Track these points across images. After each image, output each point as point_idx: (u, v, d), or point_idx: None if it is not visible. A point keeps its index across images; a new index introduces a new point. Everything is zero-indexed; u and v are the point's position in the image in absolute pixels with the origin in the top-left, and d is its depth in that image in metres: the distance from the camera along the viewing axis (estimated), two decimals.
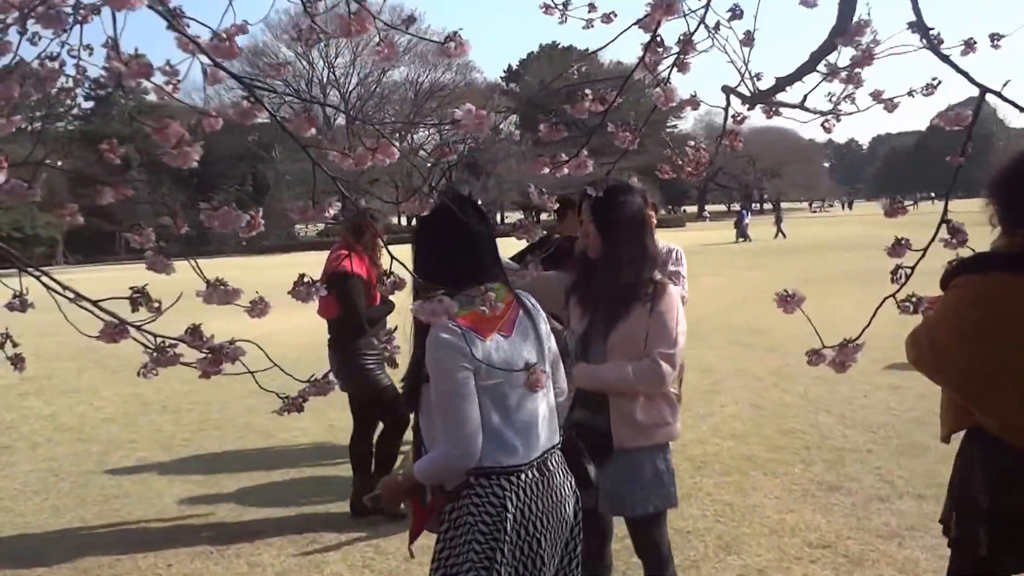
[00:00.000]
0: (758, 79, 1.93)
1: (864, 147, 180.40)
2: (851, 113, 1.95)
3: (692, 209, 78.62)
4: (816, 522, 4.70)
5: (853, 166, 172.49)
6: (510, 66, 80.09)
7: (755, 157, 66.27)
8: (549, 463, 2.36)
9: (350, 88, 67.96)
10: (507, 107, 70.48)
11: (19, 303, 1.52)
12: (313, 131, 1.14)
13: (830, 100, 1.91)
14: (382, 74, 67.14)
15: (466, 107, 1.28)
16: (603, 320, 3.06)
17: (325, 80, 67.70)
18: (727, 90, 1.85)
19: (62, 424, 8.07)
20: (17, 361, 1.64)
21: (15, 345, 1.64)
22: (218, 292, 1.34)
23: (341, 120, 66.84)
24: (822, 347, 1.74)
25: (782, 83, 2.06)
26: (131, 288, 1.31)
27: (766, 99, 1.98)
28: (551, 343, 2.52)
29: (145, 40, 1.37)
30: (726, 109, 1.77)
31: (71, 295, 1.30)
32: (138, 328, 1.29)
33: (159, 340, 1.32)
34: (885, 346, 9.40)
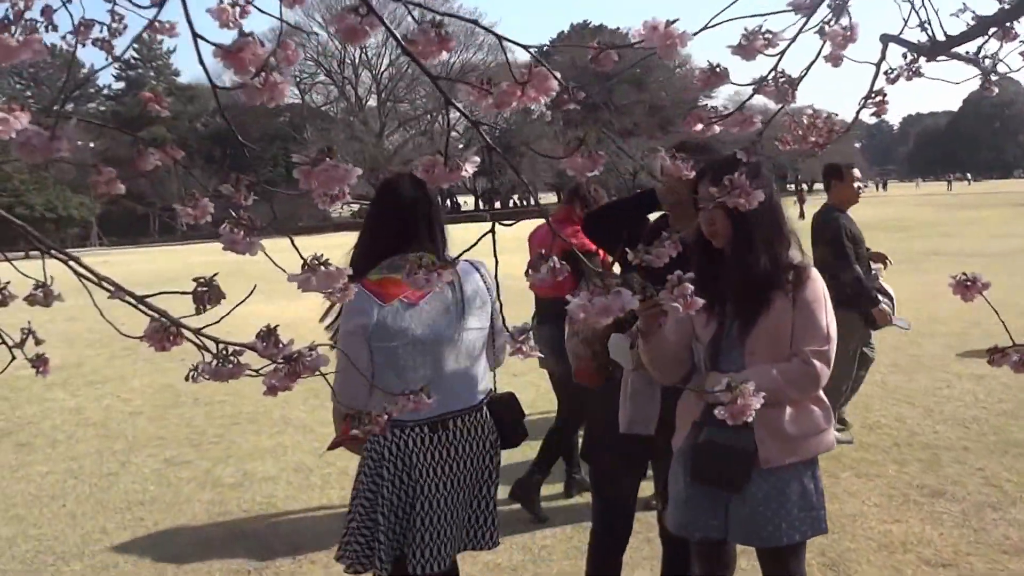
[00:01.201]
0: (925, 28, 1.53)
1: (895, 128, 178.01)
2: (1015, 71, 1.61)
3: None
4: (927, 535, 4.28)
5: (883, 147, 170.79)
6: (541, 46, 79.44)
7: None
8: (451, 423, 2.66)
9: (382, 69, 67.73)
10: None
11: (42, 295, 1.33)
12: (445, 55, 0.90)
13: (986, 58, 1.60)
14: None
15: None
16: (739, 318, 2.61)
17: (357, 60, 67.58)
18: (887, 39, 1.52)
19: (86, 418, 7.57)
20: (40, 363, 1.43)
21: (38, 342, 1.43)
22: (318, 275, 1.05)
23: (373, 101, 67.14)
24: (1012, 345, 1.41)
25: (973, 32, 1.62)
26: (196, 280, 1.12)
27: (946, 50, 1.59)
28: (482, 317, 2.75)
29: None
30: (878, 64, 1.45)
31: (110, 287, 1.08)
32: (196, 333, 1.09)
33: (221, 347, 1.11)
34: (957, 331, 9.31)
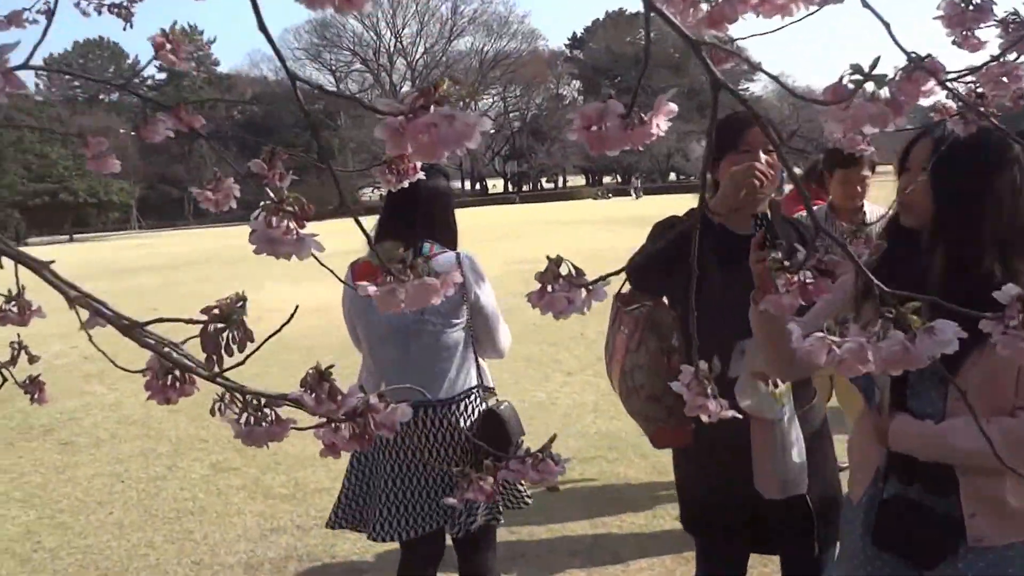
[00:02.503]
0: None
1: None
2: None
3: None
4: None
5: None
6: (575, 33, 78.99)
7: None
8: (420, 413, 2.64)
9: (416, 57, 67.96)
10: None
11: (15, 310, 1.09)
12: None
13: None
14: (447, 43, 67.10)
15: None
16: None
17: (392, 49, 67.88)
18: None
19: (126, 416, 7.18)
20: (34, 388, 1.19)
21: (32, 360, 1.16)
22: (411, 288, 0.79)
23: (407, 88, 67.31)
24: None
25: None
26: (210, 314, 0.80)
27: None
28: (455, 313, 2.72)
29: None
30: None
31: (108, 314, 0.84)
32: (215, 379, 0.79)
33: (252, 399, 0.83)
34: None
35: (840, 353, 0.67)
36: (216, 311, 0.78)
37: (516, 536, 4.10)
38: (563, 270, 0.73)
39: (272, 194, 0.75)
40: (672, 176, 70.44)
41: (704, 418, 0.78)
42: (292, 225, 0.75)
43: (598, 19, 76.16)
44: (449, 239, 2.77)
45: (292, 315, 0.80)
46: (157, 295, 13.08)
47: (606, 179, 71.84)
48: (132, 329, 0.81)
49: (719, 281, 2.11)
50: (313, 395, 0.81)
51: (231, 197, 1.22)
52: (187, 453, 6.05)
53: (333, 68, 67.54)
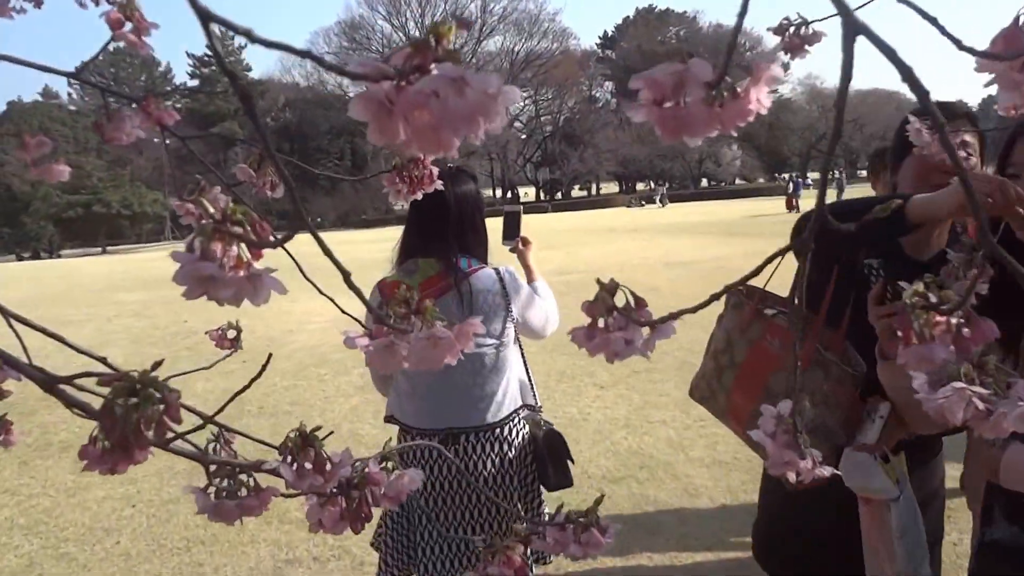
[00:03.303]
0: None
1: (975, 109, 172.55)
2: None
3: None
4: None
5: None
6: (606, 32, 78.68)
7: (862, 122, 63.72)
8: (462, 438, 2.45)
9: None
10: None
11: None
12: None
13: None
14: (477, 44, 67.08)
15: None
16: None
17: None
18: None
19: None
20: (2, 428, 0.99)
21: (2, 395, 0.91)
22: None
23: None
24: None
25: None
26: (111, 383, 0.58)
27: None
28: (493, 330, 2.48)
29: None
30: None
31: (25, 368, 0.64)
32: (166, 447, 0.62)
33: (227, 469, 0.69)
34: None
35: (993, 416, 0.51)
36: (122, 381, 0.53)
37: (541, 568, 3.83)
38: (618, 300, 0.52)
39: (207, 208, 0.52)
40: (704, 182, 69.87)
41: (791, 478, 0.62)
42: (242, 254, 0.51)
43: (628, 17, 75.88)
44: (483, 252, 2.52)
45: (263, 368, 0.65)
46: (188, 307, 12.98)
47: (639, 186, 71.40)
48: (53, 386, 0.59)
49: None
50: (294, 465, 0.62)
51: (218, 208, 1.02)
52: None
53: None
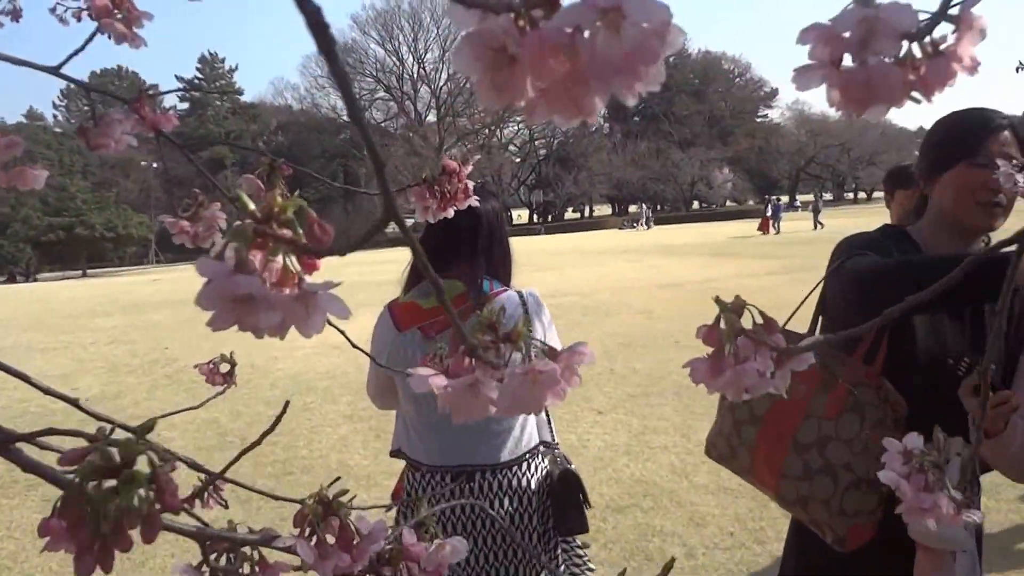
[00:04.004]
0: None
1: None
2: None
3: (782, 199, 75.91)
4: None
5: None
6: None
7: (848, 146, 64.09)
8: (477, 476, 2.28)
9: (440, 84, 68.09)
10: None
11: None
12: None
13: None
14: None
15: None
16: None
17: (415, 76, 68.09)
18: None
19: None
20: None
21: None
22: None
23: (432, 116, 67.70)
24: None
25: None
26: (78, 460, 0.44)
27: None
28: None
29: None
30: None
31: None
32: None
33: (227, 545, 0.58)
34: None
35: None
36: (96, 453, 0.38)
37: None
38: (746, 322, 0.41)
39: (245, 201, 0.37)
40: (695, 204, 70.03)
41: (931, 525, 0.52)
42: (290, 265, 0.37)
43: None
44: (507, 275, 2.37)
45: (279, 418, 0.53)
46: (170, 335, 12.62)
47: (631, 208, 71.51)
48: (7, 445, 0.46)
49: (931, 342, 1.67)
50: (314, 539, 0.48)
51: (216, 228, 0.93)
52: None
53: (358, 96, 68.13)
